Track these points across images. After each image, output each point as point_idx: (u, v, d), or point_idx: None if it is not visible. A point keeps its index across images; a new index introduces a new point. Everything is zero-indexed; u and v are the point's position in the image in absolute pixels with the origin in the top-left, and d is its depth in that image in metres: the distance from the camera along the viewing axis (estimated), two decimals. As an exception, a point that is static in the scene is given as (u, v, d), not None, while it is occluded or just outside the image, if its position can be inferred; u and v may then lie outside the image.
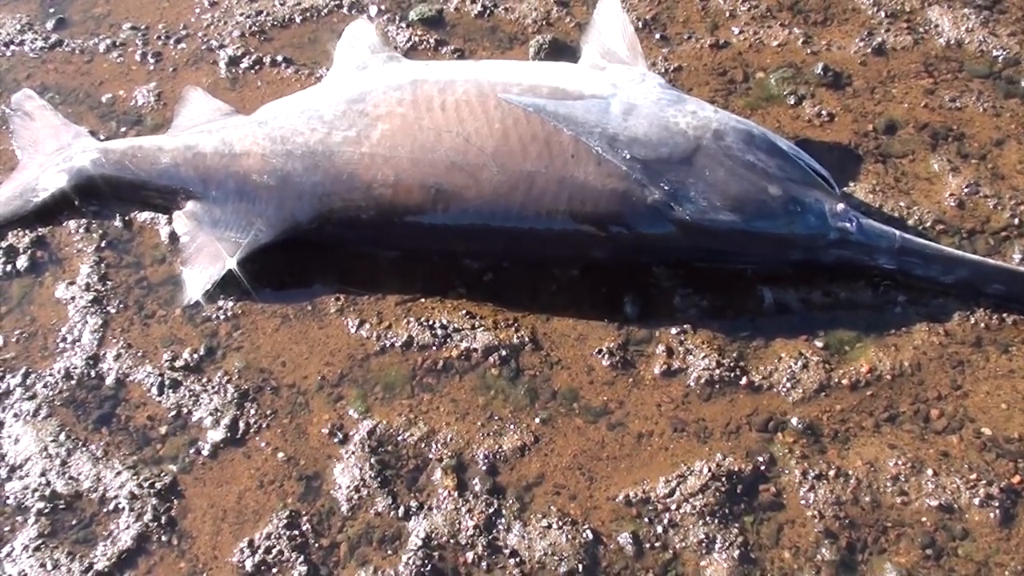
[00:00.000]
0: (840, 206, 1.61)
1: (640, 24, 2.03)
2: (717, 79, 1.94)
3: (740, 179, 1.60)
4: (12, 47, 2.08)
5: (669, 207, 1.58)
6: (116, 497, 1.47)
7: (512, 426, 1.52)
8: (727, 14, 2.06)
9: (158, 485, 1.48)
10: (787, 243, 1.63)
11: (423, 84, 1.68)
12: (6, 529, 1.45)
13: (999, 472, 1.45)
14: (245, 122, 1.74)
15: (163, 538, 1.44)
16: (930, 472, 1.45)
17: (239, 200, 1.69)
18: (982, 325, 1.60)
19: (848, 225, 1.60)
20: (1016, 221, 1.71)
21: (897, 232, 1.62)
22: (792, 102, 1.90)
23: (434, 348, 1.61)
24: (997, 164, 1.79)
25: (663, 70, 1.94)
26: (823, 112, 1.87)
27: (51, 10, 2.14)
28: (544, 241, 1.64)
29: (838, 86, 1.92)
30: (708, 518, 1.42)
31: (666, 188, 1.58)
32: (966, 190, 1.75)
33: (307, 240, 1.70)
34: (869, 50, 1.98)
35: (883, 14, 2.04)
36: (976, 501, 1.43)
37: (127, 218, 1.78)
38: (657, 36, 2.02)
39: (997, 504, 1.42)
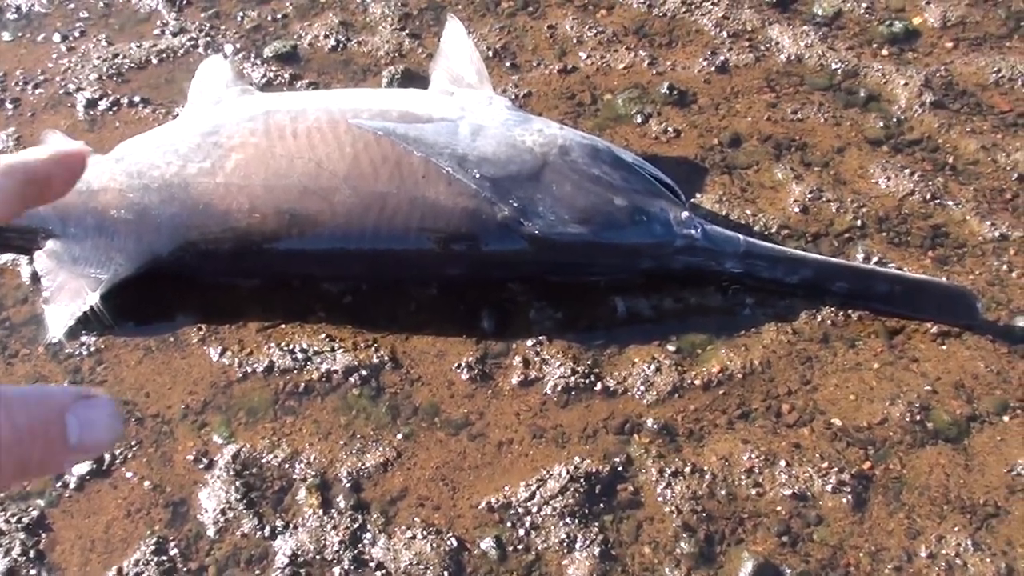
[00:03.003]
0: (685, 214, 1.67)
1: (490, 53, 2.08)
2: (566, 102, 1.99)
3: (586, 192, 1.65)
4: None
5: (519, 223, 1.62)
6: (-17, 536, 1.47)
7: (374, 443, 1.54)
8: (574, 40, 2.11)
9: (25, 520, 1.47)
10: (635, 252, 1.68)
11: (275, 114, 1.71)
12: None
13: (850, 460, 1.50)
14: (102, 160, 1.75)
15: (32, 572, 1.43)
16: (783, 463, 1.50)
17: (98, 236, 1.69)
18: (828, 322, 1.66)
19: (693, 232, 1.66)
20: (859, 223, 1.78)
21: (741, 236, 1.68)
22: (639, 120, 1.95)
23: (295, 372, 1.62)
24: (839, 170, 1.86)
25: (513, 96, 1.98)
26: (669, 129, 1.93)
27: (-91, 61, 2.13)
28: (400, 261, 1.67)
29: (683, 104, 1.98)
30: (568, 519, 1.44)
31: (515, 204, 1.62)
32: (809, 196, 1.81)
33: (168, 273, 1.71)
34: (713, 69, 2.04)
35: (725, 34, 2.11)
36: (829, 488, 1.47)
37: (-12, 261, 1.78)
38: (507, 64, 2.07)
39: (849, 490, 1.47)
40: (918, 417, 1.55)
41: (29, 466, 0.52)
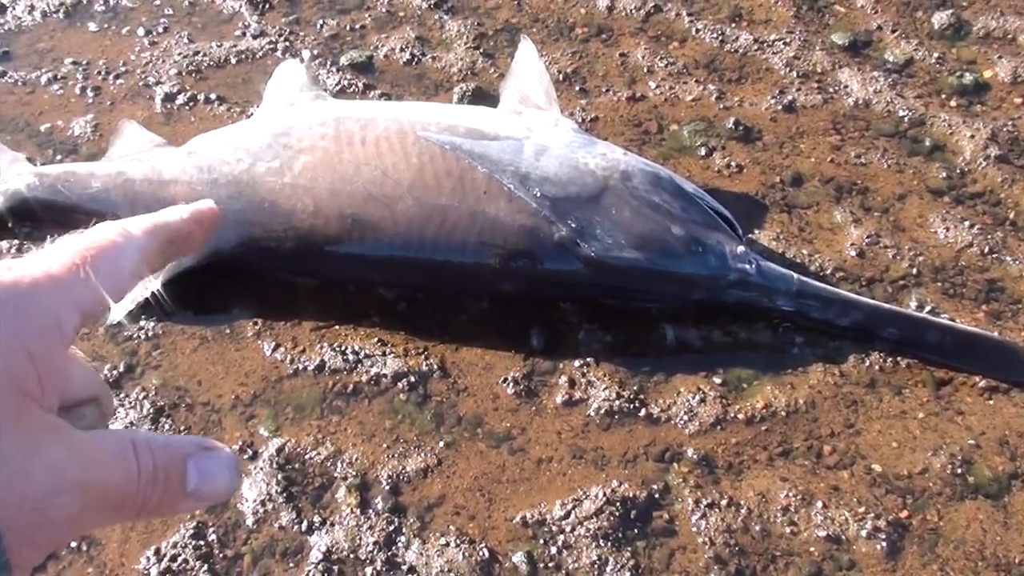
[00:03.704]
0: (740, 248, 1.68)
1: (561, 77, 2.11)
2: (632, 130, 2.01)
3: (645, 218, 1.66)
4: (-43, 78, 2.13)
5: (576, 243, 1.64)
6: (29, 506, 1.51)
7: (416, 449, 1.56)
8: (645, 70, 2.13)
9: (70, 496, 1.51)
10: (689, 282, 1.68)
11: (346, 120, 1.74)
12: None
13: (888, 507, 1.50)
14: (175, 152, 1.80)
15: (72, 544, 1.46)
16: (820, 504, 1.50)
17: (164, 225, 1.72)
18: (876, 368, 1.66)
19: (748, 267, 1.66)
20: (914, 271, 1.78)
21: (795, 275, 1.68)
22: (703, 153, 1.97)
23: (345, 372, 1.65)
24: (899, 217, 1.86)
25: (581, 119, 2.01)
26: (732, 163, 1.94)
27: (-3, 43, 2.21)
28: (456, 273, 1.69)
29: (748, 140, 2.00)
30: (601, 541, 1.45)
31: (573, 225, 1.64)
32: (867, 240, 1.82)
33: (229, 267, 1.74)
34: (780, 107, 2.05)
35: (795, 74, 2.12)
36: (863, 533, 1.47)
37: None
38: (577, 88, 2.10)
39: (884, 537, 1.46)
40: (959, 470, 1.54)
41: (147, 507, 0.55)
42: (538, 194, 1.65)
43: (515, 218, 1.65)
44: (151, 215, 0.64)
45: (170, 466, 0.56)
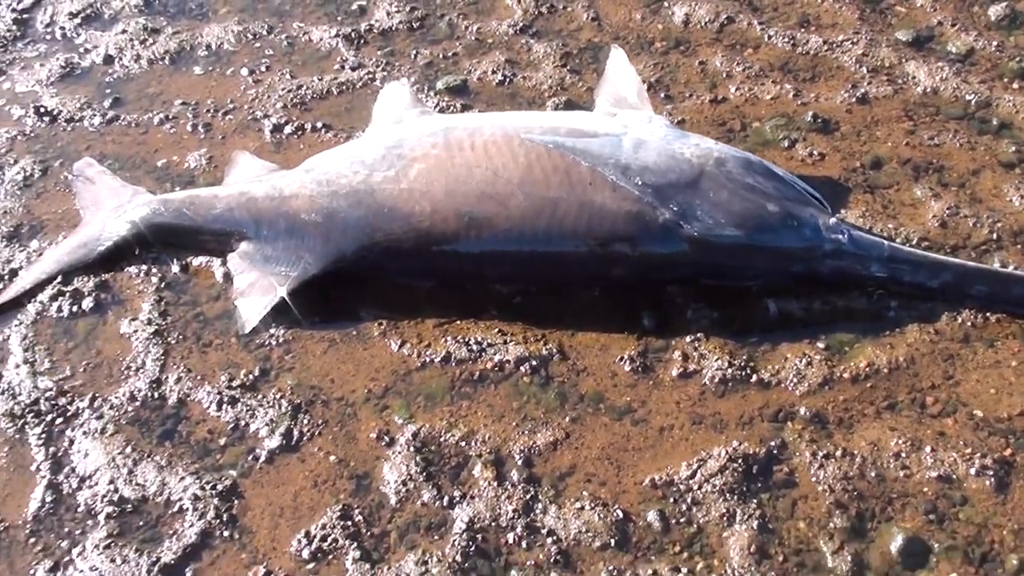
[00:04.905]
0: (832, 220, 1.78)
1: (646, 86, 2.19)
2: (717, 129, 2.13)
3: (741, 198, 1.77)
4: (73, 123, 2.25)
5: (679, 225, 1.75)
6: (180, 500, 1.60)
7: (544, 425, 1.66)
8: (724, 75, 2.26)
9: (219, 487, 1.61)
10: (786, 255, 1.79)
11: (454, 130, 1.86)
12: (77, 532, 1.57)
13: (992, 447, 1.59)
14: (293, 171, 1.93)
15: (225, 533, 1.56)
16: (928, 449, 1.59)
17: (289, 237, 1.85)
18: (969, 324, 1.75)
19: (841, 236, 1.76)
20: (994, 236, 1.88)
21: (886, 241, 1.78)
22: (786, 145, 2.09)
23: (470, 362, 1.75)
24: (975, 190, 1.97)
25: (668, 122, 2.10)
26: (814, 152, 2.06)
27: (107, 91, 2.33)
28: (568, 260, 1.80)
29: (827, 131, 2.11)
30: (728, 495, 1.55)
31: (675, 208, 1.75)
32: (947, 212, 1.92)
33: (351, 273, 1.85)
34: (854, 100, 2.17)
35: (865, 69, 2.24)
36: (972, 471, 1.56)
37: (184, 263, 1.93)
38: (662, 95, 2.22)
39: (992, 473, 1.56)
40: (1057, 409, 1.64)
41: None
42: (639, 182, 1.75)
43: (620, 205, 1.75)
44: None
45: None
